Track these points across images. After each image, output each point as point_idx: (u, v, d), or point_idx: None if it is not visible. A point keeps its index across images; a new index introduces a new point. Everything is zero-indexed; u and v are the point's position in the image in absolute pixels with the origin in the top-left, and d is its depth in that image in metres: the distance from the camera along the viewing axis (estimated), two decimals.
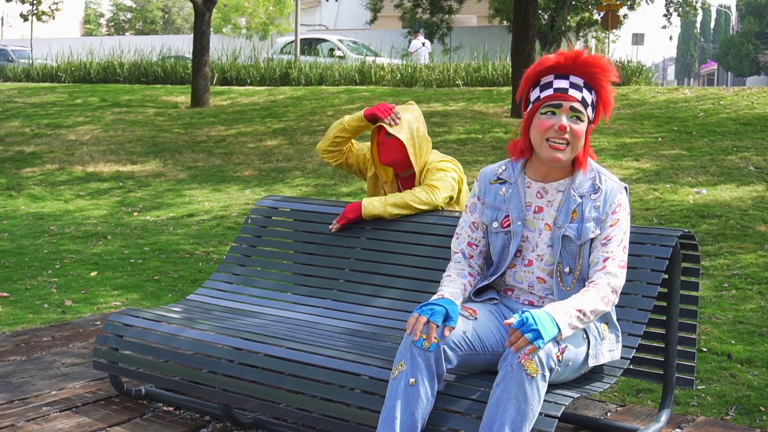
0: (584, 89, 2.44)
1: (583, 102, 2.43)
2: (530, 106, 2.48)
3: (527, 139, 2.50)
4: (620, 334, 2.60)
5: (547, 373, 2.25)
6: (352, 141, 3.72)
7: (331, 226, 3.53)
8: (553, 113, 2.43)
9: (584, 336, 2.45)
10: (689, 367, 2.95)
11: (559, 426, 2.89)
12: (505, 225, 2.56)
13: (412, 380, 2.32)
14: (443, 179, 3.41)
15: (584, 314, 2.35)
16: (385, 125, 3.43)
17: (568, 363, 2.38)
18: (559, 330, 2.27)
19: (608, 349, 2.54)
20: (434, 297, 2.48)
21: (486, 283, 2.63)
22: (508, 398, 2.22)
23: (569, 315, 2.31)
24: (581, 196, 2.49)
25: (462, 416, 2.41)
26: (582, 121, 2.44)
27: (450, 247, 2.76)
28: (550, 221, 2.52)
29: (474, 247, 2.65)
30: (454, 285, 2.56)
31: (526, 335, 2.22)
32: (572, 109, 2.42)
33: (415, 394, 2.32)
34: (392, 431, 2.31)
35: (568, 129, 2.41)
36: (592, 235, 2.47)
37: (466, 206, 2.68)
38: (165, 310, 3.42)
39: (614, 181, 2.52)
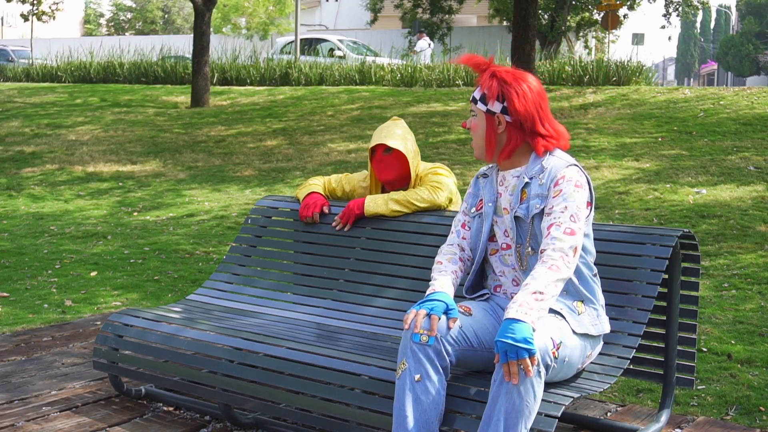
0: (478, 88, 2.63)
1: (473, 100, 2.63)
2: None
3: None
4: (600, 309, 2.59)
5: (543, 370, 2.26)
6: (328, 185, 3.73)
7: (335, 225, 3.52)
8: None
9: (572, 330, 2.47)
10: (689, 367, 2.95)
11: (559, 426, 2.89)
12: (478, 208, 2.68)
13: (417, 376, 2.34)
14: (442, 181, 3.44)
15: (541, 293, 2.33)
16: (385, 142, 3.38)
17: (564, 359, 2.39)
18: (528, 333, 2.23)
19: (591, 323, 2.53)
20: (428, 290, 2.51)
21: (472, 273, 2.68)
22: (503, 394, 2.24)
23: (527, 305, 2.29)
24: (531, 178, 2.57)
25: (464, 416, 2.41)
26: (473, 116, 2.64)
27: None
28: (507, 205, 2.62)
29: (467, 229, 2.75)
30: (446, 275, 2.60)
31: (520, 358, 2.21)
32: (470, 112, 2.67)
33: (423, 389, 2.34)
34: (406, 430, 2.32)
35: (468, 125, 2.66)
36: (536, 210, 2.53)
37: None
38: (165, 310, 3.42)
39: (562, 159, 2.57)
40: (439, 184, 3.43)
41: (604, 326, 2.59)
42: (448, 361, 2.39)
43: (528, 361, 2.21)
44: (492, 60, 2.66)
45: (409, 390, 2.34)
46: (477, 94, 2.62)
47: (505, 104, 2.55)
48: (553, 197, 2.50)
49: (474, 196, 2.74)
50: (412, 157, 3.43)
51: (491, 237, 2.65)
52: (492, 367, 2.51)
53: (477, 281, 2.71)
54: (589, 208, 2.58)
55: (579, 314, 2.52)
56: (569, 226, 2.44)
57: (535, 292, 2.34)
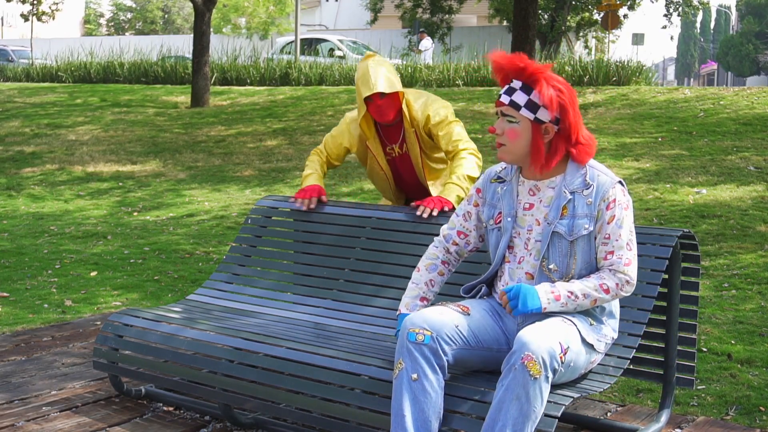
0: (520, 91, 2.48)
1: (513, 104, 2.48)
2: None
3: None
4: (614, 322, 2.59)
5: (551, 375, 2.26)
6: (328, 156, 3.86)
7: (421, 213, 3.42)
8: (497, 117, 2.56)
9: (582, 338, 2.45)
10: (689, 367, 2.95)
11: (559, 426, 2.89)
12: (497, 221, 2.61)
13: (414, 375, 2.34)
14: (452, 122, 3.62)
15: (575, 296, 2.42)
16: (381, 90, 3.50)
17: (570, 364, 2.38)
18: (541, 305, 2.39)
19: (597, 338, 2.52)
20: (399, 310, 2.67)
21: (481, 280, 2.64)
22: (511, 399, 2.23)
23: (557, 292, 2.40)
24: (572, 193, 2.50)
25: (463, 416, 2.41)
26: (515, 123, 2.49)
27: None
28: (541, 217, 2.53)
29: (462, 236, 2.71)
30: (415, 289, 2.68)
31: (511, 303, 2.39)
32: (502, 113, 2.52)
33: (420, 388, 2.33)
34: (404, 429, 2.32)
35: (497, 131, 2.52)
36: (584, 232, 2.47)
37: (469, 193, 2.75)
38: (165, 310, 3.42)
39: (607, 175, 2.52)
40: (457, 137, 3.58)
41: (611, 337, 2.58)
42: (444, 360, 2.38)
43: (509, 310, 2.40)
44: (525, 59, 2.51)
45: (406, 389, 2.34)
46: (520, 100, 2.47)
47: (557, 114, 2.47)
48: (608, 223, 2.47)
49: (491, 206, 2.63)
50: (403, 93, 3.58)
51: (508, 247, 2.59)
52: (490, 366, 2.51)
53: (477, 284, 2.68)
54: None
55: (590, 324, 2.51)
56: (628, 257, 2.47)
57: (572, 292, 2.41)
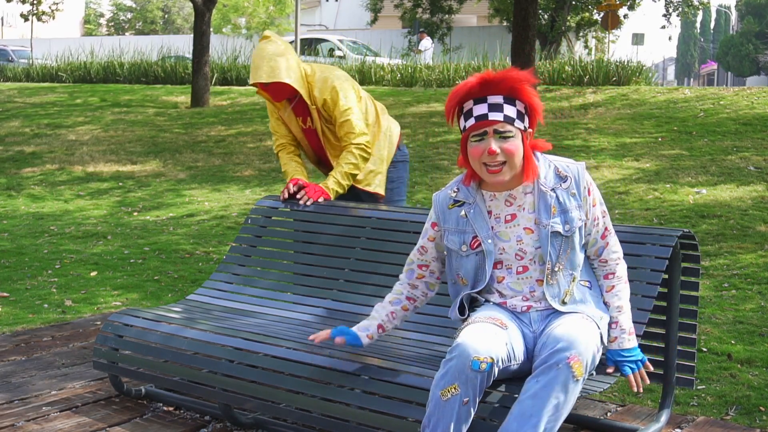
0: (506, 104, 2.42)
1: (507, 119, 2.41)
2: (462, 134, 2.51)
3: (469, 165, 2.51)
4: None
5: (587, 376, 2.31)
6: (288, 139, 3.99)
7: (303, 201, 3.70)
8: (482, 139, 2.44)
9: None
10: (689, 367, 2.95)
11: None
12: (474, 246, 2.52)
13: (465, 400, 2.30)
14: (348, 109, 3.74)
15: (621, 308, 2.56)
16: (258, 81, 3.63)
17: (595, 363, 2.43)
18: (635, 346, 2.53)
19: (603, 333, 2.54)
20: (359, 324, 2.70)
21: (462, 300, 2.58)
22: (549, 396, 2.24)
23: (629, 329, 2.54)
24: (553, 189, 2.49)
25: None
26: (511, 137, 2.42)
27: None
28: (529, 224, 2.49)
29: (425, 268, 2.71)
30: (375, 317, 2.70)
31: (640, 370, 2.51)
32: (496, 132, 2.42)
33: (466, 411, 2.32)
34: None
35: (498, 151, 2.42)
36: (580, 223, 2.50)
37: (421, 237, 2.72)
38: (165, 310, 3.42)
39: (574, 163, 2.55)
40: (346, 120, 3.72)
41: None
42: (491, 381, 2.36)
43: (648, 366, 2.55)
44: (501, 72, 2.45)
45: (455, 414, 2.31)
46: (511, 113, 2.42)
47: (530, 120, 2.49)
48: (593, 206, 2.53)
49: (458, 233, 2.55)
50: (286, 76, 3.63)
51: (494, 265, 2.53)
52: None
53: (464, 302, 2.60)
54: None
55: (600, 319, 2.52)
56: (615, 237, 2.60)
57: (620, 307, 2.55)
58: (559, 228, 2.47)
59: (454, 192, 2.59)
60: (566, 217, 2.48)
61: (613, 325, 2.52)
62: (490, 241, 2.50)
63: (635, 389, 2.48)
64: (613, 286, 2.56)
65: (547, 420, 2.23)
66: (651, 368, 2.56)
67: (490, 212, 2.53)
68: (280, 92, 3.73)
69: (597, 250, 2.57)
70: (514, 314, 2.53)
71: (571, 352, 2.25)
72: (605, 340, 2.49)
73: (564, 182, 2.49)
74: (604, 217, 2.57)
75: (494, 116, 2.41)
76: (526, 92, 2.43)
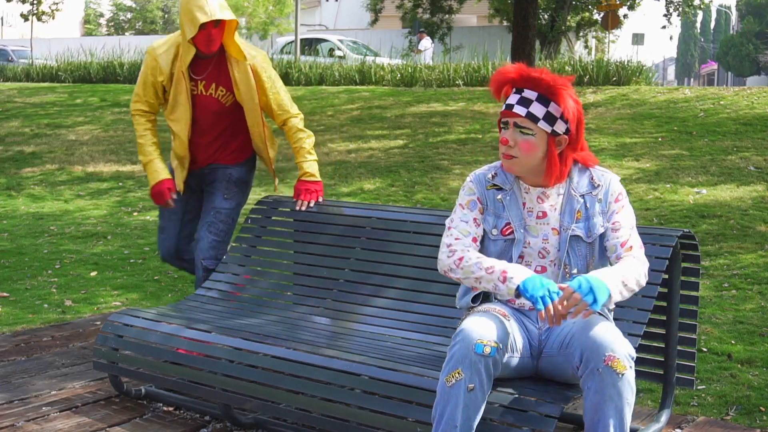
0: (538, 102, 2.44)
1: (530, 116, 2.43)
2: None
3: None
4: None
5: (633, 364, 2.28)
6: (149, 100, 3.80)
7: (301, 207, 3.69)
8: (505, 128, 2.49)
9: None
10: (689, 367, 2.95)
11: (559, 426, 2.89)
12: (506, 233, 2.53)
13: (470, 386, 2.30)
14: (288, 97, 3.78)
15: (626, 285, 2.37)
16: (220, 17, 3.45)
17: None
18: (610, 295, 2.30)
19: None
20: (508, 282, 2.37)
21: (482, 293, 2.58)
22: (604, 401, 2.25)
23: (617, 281, 2.34)
24: (582, 195, 2.51)
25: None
26: (530, 135, 2.44)
27: None
28: (557, 225, 2.51)
29: (477, 243, 2.57)
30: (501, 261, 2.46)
31: (585, 298, 2.25)
32: (516, 125, 2.46)
33: (474, 399, 2.30)
34: None
35: (510, 142, 2.46)
36: (601, 230, 2.49)
37: (461, 204, 2.60)
38: (165, 310, 3.42)
39: (609, 173, 2.56)
40: (284, 94, 3.73)
41: None
42: (499, 371, 2.35)
43: (589, 312, 2.29)
44: (545, 71, 2.46)
45: (461, 400, 2.30)
46: (537, 112, 2.43)
47: (568, 126, 2.45)
48: (617, 213, 2.50)
49: (494, 215, 2.55)
50: (237, 23, 3.52)
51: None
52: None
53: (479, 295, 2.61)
54: None
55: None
56: (641, 244, 2.49)
57: (624, 282, 2.35)
58: (581, 233, 2.48)
59: (492, 175, 2.59)
60: (589, 224, 2.49)
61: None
62: (522, 230, 2.52)
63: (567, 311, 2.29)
64: (627, 262, 2.43)
65: (614, 423, 2.26)
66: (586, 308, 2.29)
67: (524, 204, 2.55)
68: (219, 39, 3.53)
69: (616, 254, 2.49)
70: (521, 311, 2.54)
71: (605, 353, 2.25)
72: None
73: (595, 189, 2.52)
74: (631, 229, 2.50)
75: (519, 110, 2.45)
76: (562, 96, 2.43)
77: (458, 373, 2.30)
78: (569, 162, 2.50)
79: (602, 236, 2.51)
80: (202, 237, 3.74)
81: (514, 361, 2.45)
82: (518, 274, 2.38)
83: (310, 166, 3.74)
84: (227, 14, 3.49)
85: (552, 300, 2.30)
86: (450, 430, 2.30)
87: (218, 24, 3.50)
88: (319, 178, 3.76)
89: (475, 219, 2.57)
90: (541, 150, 2.46)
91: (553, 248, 2.51)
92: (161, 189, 3.70)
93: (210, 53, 3.57)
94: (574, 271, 2.49)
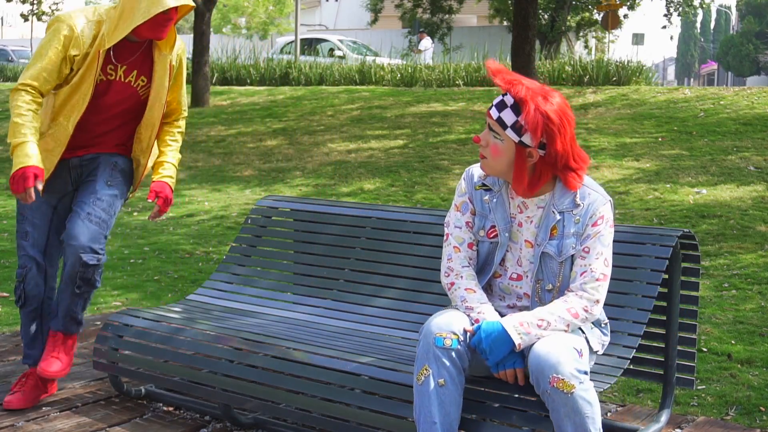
0: (510, 109, 2.36)
1: (500, 122, 2.37)
2: None
3: None
4: (606, 329, 2.58)
5: (584, 378, 2.24)
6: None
7: (154, 218, 3.32)
8: (486, 127, 2.46)
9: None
10: (689, 367, 2.95)
11: None
12: (491, 235, 2.52)
13: (441, 381, 2.31)
14: (185, 97, 3.42)
15: (547, 323, 2.34)
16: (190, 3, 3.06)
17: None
18: (513, 343, 2.31)
19: (599, 341, 2.53)
20: (478, 316, 2.40)
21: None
22: (562, 418, 2.23)
23: (527, 324, 2.32)
24: (561, 213, 2.44)
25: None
26: (499, 140, 2.39)
27: None
28: (531, 238, 2.48)
29: (474, 249, 2.56)
30: (488, 304, 2.46)
31: (486, 358, 2.33)
32: (489, 126, 2.43)
33: (447, 393, 2.32)
34: None
35: (482, 142, 2.43)
36: (572, 251, 2.43)
37: (455, 205, 2.59)
38: (165, 310, 3.42)
39: (599, 193, 2.46)
40: (185, 112, 3.41)
41: (607, 340, 2.58)
42: (468, 362, 2.36)
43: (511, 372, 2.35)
44: (518, 79, 2.38)
45: (433, 395, 2.31)
46: (507, 119, 2.36)
47: (543, 140, 2.34)
48: (591, 238, 2.41)
49: (480, 216, 2.53)
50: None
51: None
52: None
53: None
54: None
55: (591, 329, 2.50)
56: (603, 272, 2.40)
57: (542, 320, 2.34)
58: (552, 251, 2.44)
59: (485, 175, 2.55)
60: (562, 243, 2.44)
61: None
62: (507, 234, 2.50)
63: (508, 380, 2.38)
64: (555, 303, 2.40)
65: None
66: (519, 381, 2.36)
67: (509, 209, 2.52)
68: (171, 27, 3.12)
69: (573, 282, 2.43)
70: (502, 312, 2.55)
71: (549, 376, 2.21)
72: (594, 343, 2.47)
73: (576, 208, 2.43)
74: (597, 258, 2.40)
75: (492, 112, 2.41)
76: (526, 107, 2.33)
77: (425, 369, 2.33)
78: (543, 177, 2.41)
79: (573, 257, 2.44)
80: (77, 229, 3.08)
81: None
82: (487, 317, 2.39)
83: (171, 177, 3.35)
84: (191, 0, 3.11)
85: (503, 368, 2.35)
86: (430, 427, 2.31)
87: (178, 11, 3.09)
88: (172, 190, 3.35)
89: (467, 223, 2.55)
90: (507, 157, 2.39)
91: (527, 261, 2.49)
92: (26, 173, 2.92)
93: (156, 39, 3.14)
94: (548, 286, 2.46)
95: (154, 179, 3.32)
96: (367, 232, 3.49)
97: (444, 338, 2.32)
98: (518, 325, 2.32)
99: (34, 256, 3.21)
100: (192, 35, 15.21)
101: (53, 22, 3.09)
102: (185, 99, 3.45)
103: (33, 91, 3.02)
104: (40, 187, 2.96)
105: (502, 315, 2.50)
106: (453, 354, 2.32)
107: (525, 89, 2.35)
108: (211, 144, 11.80)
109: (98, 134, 3.25)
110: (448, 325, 2.35)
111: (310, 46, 22.06)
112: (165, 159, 3.36)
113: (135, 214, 8.52)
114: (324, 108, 13.65)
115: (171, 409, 3.23)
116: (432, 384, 2.31)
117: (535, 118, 2.32)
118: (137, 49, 3.17)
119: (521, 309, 2.52)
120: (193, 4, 3.13)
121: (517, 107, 2.36)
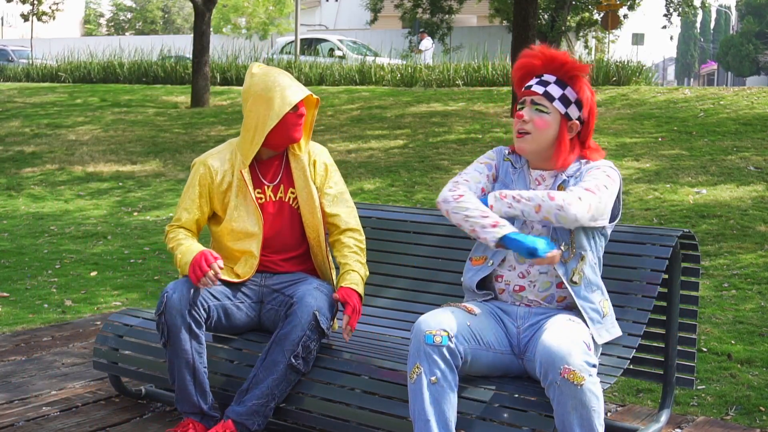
0: (555, 85, 2.54)
1: (547, 95, 2.52)
2: None
3: None
4: (606, 321, 2.58)
5: (593, 370, 2.24)
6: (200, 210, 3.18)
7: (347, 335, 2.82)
8: (522, 107, 2.57)
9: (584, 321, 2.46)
10: (689, 367, 2.95)
11: None
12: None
13: (433, 378, 2.32)
14: (352, 205, 3.07)
15: (520, 197, 2.43)
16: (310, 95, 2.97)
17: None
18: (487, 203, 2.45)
19: (607, 330, 2.53)
20: (503, 224, 2.40)
21: (486, 274, 2.60)
22: (568, 411, 2.23)
23: (506, 194, 2.46)
24: (568, 176, 2.56)
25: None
26: (545, 113, 2.52)
27: (450, 248, 2.74)
28: None
29: (484, 193, 2.60)
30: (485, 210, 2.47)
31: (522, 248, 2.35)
32: (533, 102, 2.54)
33: (440, 390, 2.32)
34: None
35: (525, 118, 2.53)
36: None
37: (478, 161, 2.67)
38: None
39: (606, 162, 2.59)
40: (358, 221, 3.02)
41: (617, 329, 2.58)
42: (460, 360, 2.37)
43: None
44: (568, 55, 2.57)
45: (427, 393, 2.31)
46: (554, 92, 2.53)
47: (586, 115, 2.57)
48: (588, 172, 2.53)
49: (503, 184, 2.62)
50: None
51: None
52: (497, 369, 2.50)
53: (487, 277, 2.64)
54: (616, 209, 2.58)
55: (604, 316, 2.52)
56: (593, 186, 2.45)
57: (519, 194, 2.44)
58: None
59: (510, 151, 2.68)
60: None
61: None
62: None
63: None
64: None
65: (581, 430, 2.24)
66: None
67: (529, 184, 2.62)
68: (302, 123, 2.96)
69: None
70: (501, 309, 2.56)
71: (561, 366, 2.22)
72: (598, 338, 2.47)
73: (578, 170, 2.56)
74: (587, 181, 2.47)
75: (537, 88, 2.54)
76: (580, 81, 2.55)
77: (417, 367, 2.34)
78: (575, 151, 2.58)
79: None
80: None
81: (486, 356, 2.46)
82: (512, 229, 2.41)
83: (359, 285, 2.92)
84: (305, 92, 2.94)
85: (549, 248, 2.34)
86: (424, 426, 2.31)
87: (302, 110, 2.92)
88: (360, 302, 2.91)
89: (488, 176, 2.64)
90: (553, 129, 2.53)
91: (538, 225, 2.55)
92: (201, 257, 2.84)
93: (292, 142, 2.93)
94: (562, 246, 2.51)
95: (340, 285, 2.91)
96: (367, 232, 3.48)
97: (434, 335, 2.33)
98: (498, 195, 2.46)
99: (183, 292, 2.86)
100: (192, 35, 15.22)
101: (192, 166, 3.05)
102: (354, 211, 3.04)
103: (180, 227, 3.13)
104: (221, 265, 2.82)
105: (514, 286, 2.55)
106: (444, 351, 2.33)
107: (575, 64, 2.55)
108: (211, 144, 11.80)
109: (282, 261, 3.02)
110: (438, 322, 2.36)
111: (310, 46, 22.06)
112: (352, 273, 2.92)
113: (135, 214, 8.52)
114: (324, 108, 13.65)
115: (171, 409, 3.23)
116: (424, 382, 2.32)
117: (587, 91, 2.56)
118: (275, 160, 2.99)
119: (533, 276, 2.53)
120: (317, 96, 3.04)
121: (561, 83, 2.54)
